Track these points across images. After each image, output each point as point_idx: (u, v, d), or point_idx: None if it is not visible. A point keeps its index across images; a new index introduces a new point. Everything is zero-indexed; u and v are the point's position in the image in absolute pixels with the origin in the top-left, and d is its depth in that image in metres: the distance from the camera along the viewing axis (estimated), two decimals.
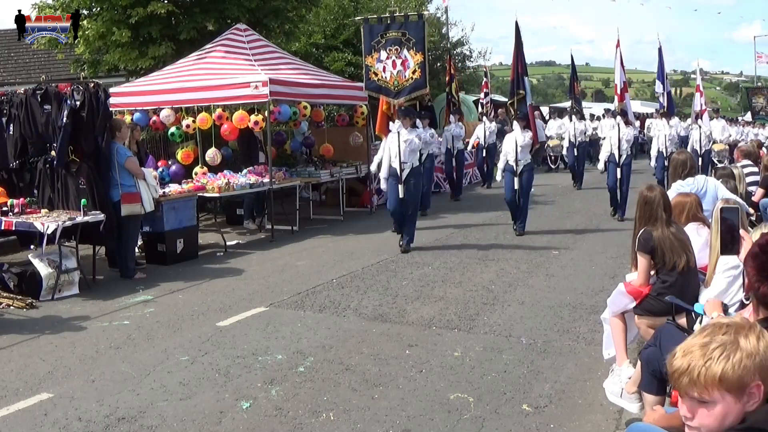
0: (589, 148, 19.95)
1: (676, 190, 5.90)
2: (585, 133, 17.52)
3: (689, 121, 19.89)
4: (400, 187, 9.14)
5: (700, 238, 4.71)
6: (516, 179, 10.09)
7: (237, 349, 5.49)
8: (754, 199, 7.79)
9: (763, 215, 7.58)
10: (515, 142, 10.10)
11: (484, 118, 17.53)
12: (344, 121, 13.92)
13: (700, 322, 3.40)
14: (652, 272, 4.38)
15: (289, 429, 4.13)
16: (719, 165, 8.39)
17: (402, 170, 9.13)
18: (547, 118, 24.38)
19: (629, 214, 10.16)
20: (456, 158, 15.11)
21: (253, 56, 11.54)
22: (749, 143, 13.68)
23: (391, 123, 9.37)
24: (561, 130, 18.61)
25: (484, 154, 16.68)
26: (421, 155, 9.90)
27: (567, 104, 37.95)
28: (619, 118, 11.69)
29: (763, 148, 14.00)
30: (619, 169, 11.30)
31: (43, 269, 7.22)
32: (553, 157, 21.02)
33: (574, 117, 17.42)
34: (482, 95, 20.55)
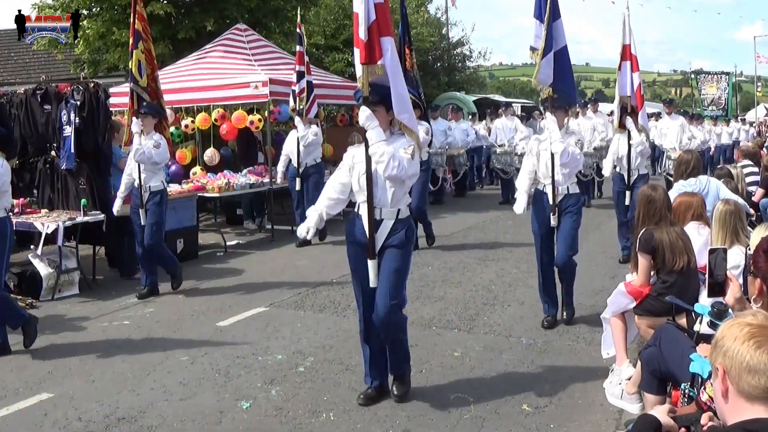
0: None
1: (678, 190, 5.90)
2: (430, 145, 10.37)
3: (610, 121, 11.37)
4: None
5: (701, 238, 4.70)
6: None
7: (237, 349, 5.49)
8: (754, 199, 7.79)
9: (763, 215, 7.58)
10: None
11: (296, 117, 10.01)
12: (344, 121, 13.93)
13: (700, 322, 3.40)
14: (652, 272, 4.38)
15: (289, 429, 4.13)
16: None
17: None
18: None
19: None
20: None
21: (253, 56, 11.54)
22: (750, 143, 13.67)
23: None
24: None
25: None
26: None
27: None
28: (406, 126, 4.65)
29: (764, 148, 13.86)
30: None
31: (43, 269, 7.22)
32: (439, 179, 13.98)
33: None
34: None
